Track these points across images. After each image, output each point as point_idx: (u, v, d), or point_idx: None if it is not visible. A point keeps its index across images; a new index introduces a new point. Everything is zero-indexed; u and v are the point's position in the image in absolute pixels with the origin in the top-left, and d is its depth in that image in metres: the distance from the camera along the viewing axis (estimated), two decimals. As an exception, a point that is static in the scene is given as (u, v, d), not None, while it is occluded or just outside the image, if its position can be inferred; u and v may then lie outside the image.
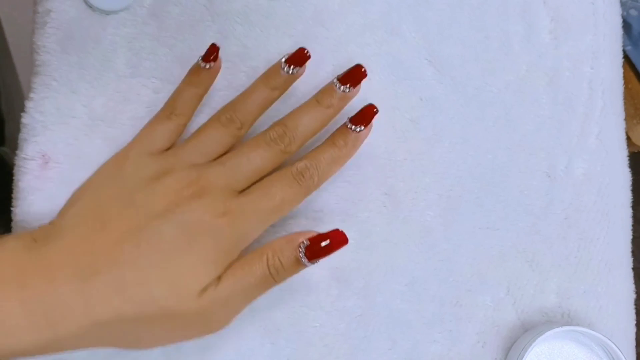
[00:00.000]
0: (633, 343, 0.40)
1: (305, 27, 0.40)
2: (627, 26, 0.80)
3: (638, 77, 0.80)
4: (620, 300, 0.40)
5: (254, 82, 0.37)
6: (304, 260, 0.32)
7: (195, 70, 0.37)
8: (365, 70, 0.36)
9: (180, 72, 0.38)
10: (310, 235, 0.33)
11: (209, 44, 0.39)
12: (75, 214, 0.33)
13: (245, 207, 0.33)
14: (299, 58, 0.36)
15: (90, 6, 0.38)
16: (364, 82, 0.39)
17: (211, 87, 0.38)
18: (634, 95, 0.80)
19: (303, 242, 0.33)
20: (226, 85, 0.39)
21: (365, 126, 0.36)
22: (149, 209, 0.32)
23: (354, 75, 0.36)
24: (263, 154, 0.34)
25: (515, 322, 0.39)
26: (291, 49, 0.39)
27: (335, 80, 0.36)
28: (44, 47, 0.37)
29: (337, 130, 0.36)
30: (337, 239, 0.33)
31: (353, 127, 0.36)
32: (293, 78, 0.37)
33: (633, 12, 0.79)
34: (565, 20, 0.42)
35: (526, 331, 0.38)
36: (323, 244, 0.32)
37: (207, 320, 0.33)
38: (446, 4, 0.41)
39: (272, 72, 0.37)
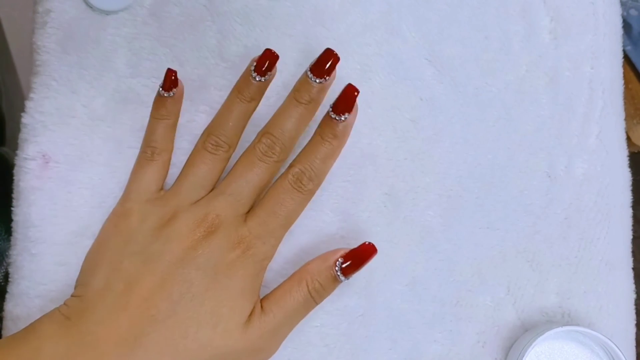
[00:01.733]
0: (633, 343, 0.40)
1: (305, 27, 0.40)
2: (627, 26, 0.80)
3: (638, 77, 0.80)
4: (621, 300, 0.40)
5: (228, 98, 0.36)
6: (341, 277, 0.34)
7: (159, 102, 0.36)
8: (336, 53, 0.34)
9: (180, 72, 0.38)
10: (343, 252, 0.34)
11: (208, 41, 0.39)
12: (99, 282, 0.32)
13: (256, 230, 0.34)
14: (267, 61, 0.35)
15: (90, 6, 0.38)
16: (364, 82, 0.39)
17: (211, 87, 0.38)
18: (634, 95, 0.80)
19: (338, 261, 0.34)
20: (226, 85, 0.39)
21: (349, 113, 0.34)
22: (167, 258, 0.32)
23: (326, 63, 0.34)
24: (259, 171, 0.34)
25: (516, 322, 0.39)
26: (291, 48, 0.39)
27: (309, 73, 0.34)
28: (44, 47, 0.37)
29: (323, 123, 0.35)
30: (369, 252, 0.34)
31: (337, 117, 0.34)
32: (266, 84, 0.35)
33: (633, 12, 0.79)
34: (565, 20, 0.42)
35: (526, 331, 0.38)
36: (357, 259, 0.34)
37: (258, 351, 0.33)
38: (446, 4, 0.41)
39: (243, 82, 0.35)
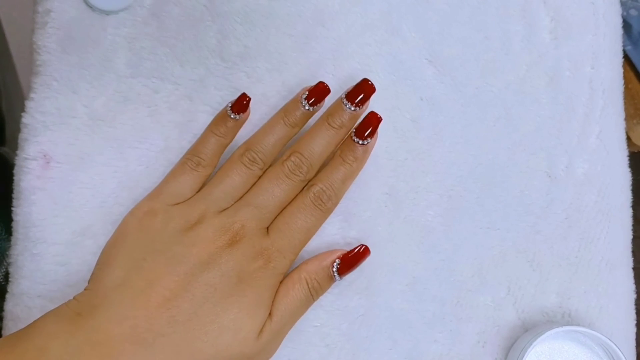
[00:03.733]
0: (633, 343, 0.40)
1: (306, 27, 0.40)
2: (627, 26, 0.80)
3: (638, 77, 0.80)
4: (621, 300, 0.40)
5: (274, 118, 0.37)
6: (337, 277, 0.35)
7: (222, 119, 0.36)
8: (372, 84, 0.36)
9: (180, 72, 0.38)
10: (340, 254, 0.36)
11: (208, 41, 0.39)
12: (116, 277, 0.32)
13: (277, 244, 0.34)
14: (319, 93, 0.36)
15: (90, 6, 0.38)
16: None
17: (211, 87, 0.38)
18: (634, 95, 0.80)
19: (335, 261, 0.35)
20: (226, 85, 0.39)
21: (371, 138, 0.36)
22: (191, 261, 0.32)
23: (362, 92, 0.36)
24: (285, 187, 0.35)
25: (516, 321, 0.39)
26: (291, 48, 0.39)
27: (344, 99, 0.36)
28: (44, 47, 0.37)
29: (344, 145, 0.36)
30: (363, 253, 0.36)
31: (360, 141, 0.36)
32: (312, 114, 0.37)
33: (633, 12, 0.79)
34: (565, 20, 0.42)
35: (527, 331, 0.38)
36: (352, 260, 0.36)
37: (266, 352, 0.34)
38: (446, 4, 0.41)
39: (291, 107, 0.36)
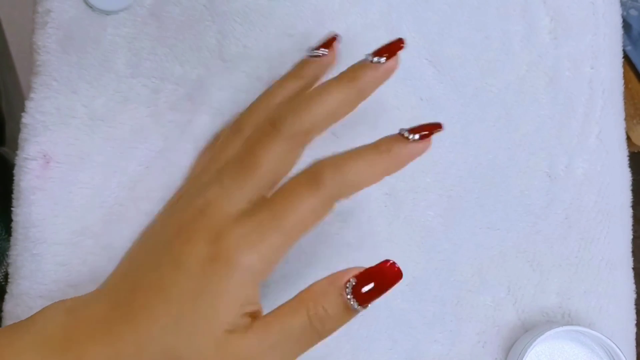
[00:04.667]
0: (633, 343, 0.40)
1: (305, 27, 0.40)
2: (627, 26, 0.80)
3: (638, 77, 0.80)
4: (621, 300, 0.40)
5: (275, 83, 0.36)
6: (354, 304, 0.27)
7: (303, 64, 0.36)
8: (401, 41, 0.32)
9: (180, 72, 0.38)
10: (356, 271, 0.27)
11: (208, 41, 0.39)
12: (111, 279, 0.32)
13: (241, 233, 0.28)
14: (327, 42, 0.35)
15: (90, 6, 0.38)
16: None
17: (211, 87, 0.38)
18: (634, 95, 0.80)
19: (349, 282, 0.27)
20: (226, 85, 0.39)
21: (424, 138, 0.29)
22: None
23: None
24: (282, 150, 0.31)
25: (516, 322, 0.39)
26: (291, 48, 0.39)
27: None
28: (44, 47, 0.37)
29: (386, 136, 0.30)
30: (390, 273, 0.27)
31: (411, 136, 0.29)
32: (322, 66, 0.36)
33: (633, 12, 0.79)
34: (565, 20, 0.42)
35: (527, 331, 0.38)
36: (373, 282, 0.27)
37: None
38: (446, 4, 0.41)
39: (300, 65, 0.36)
